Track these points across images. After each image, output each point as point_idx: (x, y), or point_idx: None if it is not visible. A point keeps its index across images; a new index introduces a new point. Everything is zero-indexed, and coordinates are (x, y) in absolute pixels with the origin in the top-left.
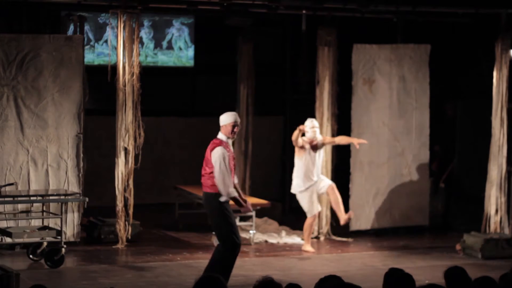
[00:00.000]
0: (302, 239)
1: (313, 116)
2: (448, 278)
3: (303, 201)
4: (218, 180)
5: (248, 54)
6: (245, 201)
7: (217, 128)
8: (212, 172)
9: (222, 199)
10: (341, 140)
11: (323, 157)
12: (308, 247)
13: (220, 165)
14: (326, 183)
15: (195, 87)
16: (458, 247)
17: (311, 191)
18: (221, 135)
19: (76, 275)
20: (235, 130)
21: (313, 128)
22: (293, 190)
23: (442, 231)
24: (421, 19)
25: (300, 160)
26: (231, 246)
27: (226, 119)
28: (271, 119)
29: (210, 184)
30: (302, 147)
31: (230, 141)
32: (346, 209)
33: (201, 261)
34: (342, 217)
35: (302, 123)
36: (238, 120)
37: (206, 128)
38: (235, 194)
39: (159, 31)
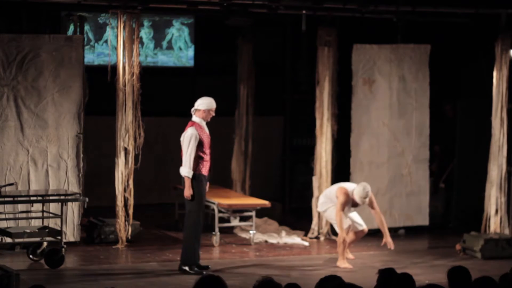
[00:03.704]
0: (302, 239)
1: (313, 116)
2: (451, 278)
3: (331, 215)
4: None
5: (248, 54)
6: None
7: (217, 128)
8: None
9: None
10: (377, 219)
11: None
12: (344, 264)
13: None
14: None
15: (195, 87)
16: (458, 247)
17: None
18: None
19: (76, 275)
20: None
21: (365, 199)
22: (320, 208)
23: (442, 231)
24: (421, 19)
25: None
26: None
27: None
28: (271, 119)
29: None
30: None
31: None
32: None
33: (201, 261)
34: (346, 259)
35: (302, 123)
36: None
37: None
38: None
39: (159, 31)
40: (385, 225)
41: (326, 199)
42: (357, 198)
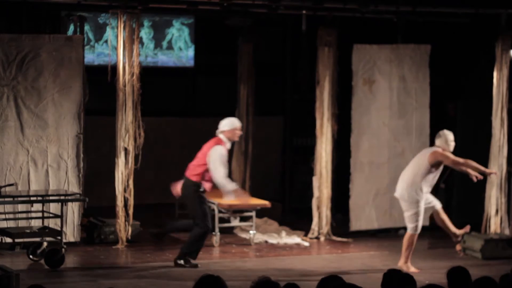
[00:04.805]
0: (302, 239)
1: (313, 116)
2: (451, 278)
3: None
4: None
5: (248, 54)
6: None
7: (216, 128)
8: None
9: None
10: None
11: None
12: (411, 268)
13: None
14: (436, 203)
15: (195, 87)
16: (458, 247)
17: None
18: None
19: (76, 275)
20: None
21: (453, 142)
22: (403, 193)
23: (442, 231)
24: (421, 19)
25: (426, 169)
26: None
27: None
28: (271, 119)
29: (195, 174)
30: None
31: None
32: (346, 210)
33: (201, 261)
34: (455, 232)
35: (302, 123)
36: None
37: (206, 128)
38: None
39: (159, 31)
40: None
41: (411, 186)
42: (448, 145)
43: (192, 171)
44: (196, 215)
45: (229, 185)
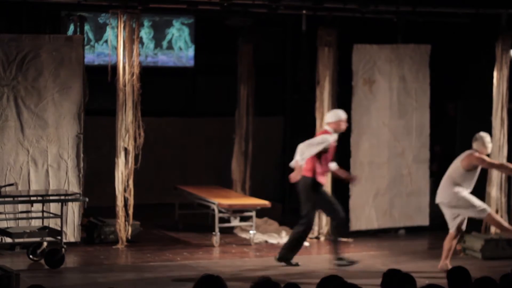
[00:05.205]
0: None
1: (313, 116)
2: (451, 278)
3: (464, 202)
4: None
5: (248, 55)
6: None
7: (216, 128)
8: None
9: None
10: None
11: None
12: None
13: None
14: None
15: (195, 87)
16: (458, 247)
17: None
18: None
19: (76, 275)
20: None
21: (491, 143)
22: (448, 198)
23: (442, 231)
24: (421, 19)
25: (460, 173)
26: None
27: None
28: (271, 119)
29: (307, 169)
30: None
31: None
32: (346, 210)
33: (201, 261)
34: (447, 263)
35: (302, 123)
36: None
37: (206, 128)
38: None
39: (159, 31)
40: None
41: (452, 189)
42: (486, 148)
43: (305, 166)
44: (303, 212)
45: (298, 159)
